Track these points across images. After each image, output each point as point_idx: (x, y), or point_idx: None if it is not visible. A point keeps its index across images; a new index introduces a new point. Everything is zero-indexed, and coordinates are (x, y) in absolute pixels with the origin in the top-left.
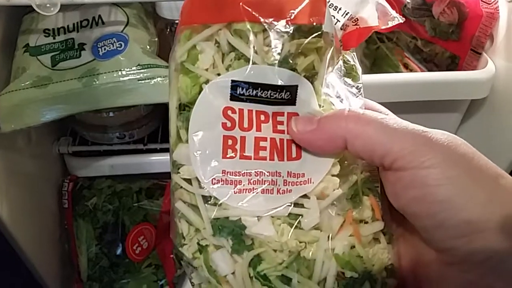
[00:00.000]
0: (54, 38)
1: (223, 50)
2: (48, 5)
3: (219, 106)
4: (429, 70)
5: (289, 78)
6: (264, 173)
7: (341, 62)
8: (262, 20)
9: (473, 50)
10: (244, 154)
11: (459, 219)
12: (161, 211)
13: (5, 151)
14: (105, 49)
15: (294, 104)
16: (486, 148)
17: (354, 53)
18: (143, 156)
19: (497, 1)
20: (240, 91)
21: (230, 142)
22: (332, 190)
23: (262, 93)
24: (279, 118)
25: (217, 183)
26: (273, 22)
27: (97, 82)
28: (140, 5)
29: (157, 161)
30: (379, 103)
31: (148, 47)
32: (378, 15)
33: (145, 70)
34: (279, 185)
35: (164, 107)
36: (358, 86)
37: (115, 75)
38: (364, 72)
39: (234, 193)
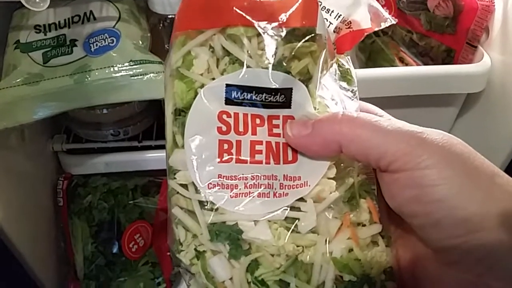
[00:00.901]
0: (45, 34)
1: (218, 55)
2: (37, 0)
3: (214, 110)
4: (425, 64)
5: (284, 81)
6: (260, 177)
7: (335, 66)
8: (255, 24)
9: (468, 43)
10: (240, 158)
11: (456, 218)
12: (157, 208)
13: None
14: (97, 45)
15: (290, 107)
16: (482, 142)
17: (349, 57)
18: (138, 153)
19: None
20: (234, 95)
21: (225, 146)
22: (329, 193)
23: (256, 97)
24: (274, 121)
25: (213, 188)
26: (266, 25)
27: (89, 78)
28: (132, 0)
29: (152, 158)
30: (374, 97)
31: (140, 42)
32: (371, 17)
33: (138, 66)
34: (275, 189)
35: (159, 103)
36: (353, 89)
37: (107, 71)
38: (360, 67)
39: (231, 197)
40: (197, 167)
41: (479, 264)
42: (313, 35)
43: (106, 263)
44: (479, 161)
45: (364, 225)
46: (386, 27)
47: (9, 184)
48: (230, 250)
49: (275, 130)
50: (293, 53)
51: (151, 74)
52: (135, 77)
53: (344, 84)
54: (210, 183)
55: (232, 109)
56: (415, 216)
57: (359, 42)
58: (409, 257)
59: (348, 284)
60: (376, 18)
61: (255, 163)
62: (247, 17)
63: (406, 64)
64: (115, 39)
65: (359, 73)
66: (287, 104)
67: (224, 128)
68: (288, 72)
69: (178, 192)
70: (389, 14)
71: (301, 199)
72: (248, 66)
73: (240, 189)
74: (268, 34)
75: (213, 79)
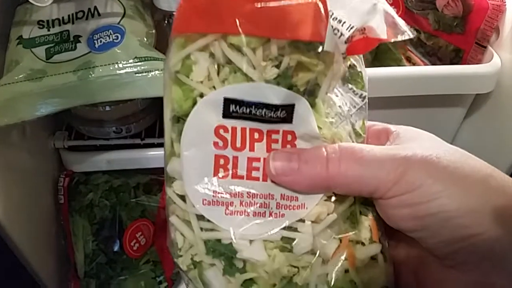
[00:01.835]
0: (48, 30)
1: (219, 62)
2: None
3: (211, 124)
4: (433, 64)
5: (286, 97)
6: (257, 195)
7: (345, 68)
8: (259, 34)
9: (478, 43)
10: (236, 174)
11: (453, 226)
12: (159, 206)
13: None
14: (101, 41)
15: (291, 122)
16: (490, 143)
17: (361, 58)
18: (141, 151)
19: None
20: (233, 109)
21: (222, 161)
22: (327, 214)
23: (256, 112)
24: (274, 136)
25: (208, 204)
26: (271, 36)
27: (93, 75)
28: None
29: (154, 156)
30: (381, 97)
31: (145, 39)
32: (387, 27)
33: (142, 63)
34: (271, 208)
35: (162, 101)
36: (362, 94)
37: (111, 68)
38: (366, 66)
39: (225, 214)
40: (191, 181)
41: (483, 263)
42: (320, 50)
43: (107, 261)
44: (469, 168)
45: (363, 244)
46: None
47: (10, 181)
48: (225, 267)
49: (274, 146)
50: (298, 66)
51: (156, 71)
52: (140, 74)
53: (353, 87)
54: (205, 199)
55: (230, 123)
56: (414, 231)
57: None
58: (411, 259)
59: None
60: (393, 29)
61: (252, 179)
62: (251, 26)
63: (414, 64)
64: (119, 36)
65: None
66: (288, 119)
67: (220, 143)
68: (292, 86)
69: (175, 202)
70: (397, 13)
71: (299, 219)
72: (250, 78)
73: (235, 206)
74: (273, 45)
75: (213, 87)
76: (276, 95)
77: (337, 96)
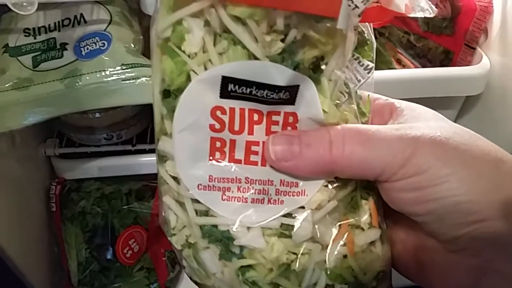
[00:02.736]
0: (35, 38)
1: (215, 31)
2: (24, 3)
3: (208, 105)
4: (423, 66)
5: (291, 77)
6: (255, 181)
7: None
8: (265, 4)
9: (467, 45)
10: (233, 158)
11: (460, 212)
12: (152, 213)
13: None
14: (87, 48)
15: (293, 104)
16: None
17: (371, 26)
18: (132, 157)
19: None
20: (231, 88)
21: (218, 144)
22: (328, 201)
23: (257, 92)
24: (274, 118)
25: (203, 189)
26: (278, 7)
27: (80, 83)
28: (124, 2)
29: (146, 162)
30: None
31: (132, 45)
32: (407, 2)
33: (130, 69)
34: (270, 195)
35: (152, 107)
36: (368, 66)
37: (98, 75)
38: None
39: (222, 200)
40: (185, 165)
41: (487, 249)
42: (332, 24)
43: (100, 269)
44: (478, 150)
45: (363, 229)
46: (383, 28)
47: (0, 189)
48: (221, 252)
49: (273, 128)
50: (305, 41)
51: (144, 78)
52: (127, 81)
53: (359, 58)
54: (200, 184)
55: (228, 103)
56: (417, 215)
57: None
58: (412, 242)
59: None
60: (412, 3)
61: (250, 164)
62: None
63: (404, 66)
64: (106, 43)
65: None
66: (291, 101)
67: (217, 126)
68: (298, 63)
69: (167, 183)
70: None
71: (299, 207)
72: (252, 55)
73: (232, 191)
74: (279, 17)
75: (210, 60)
76: (280, 75)
77: (343, 72)
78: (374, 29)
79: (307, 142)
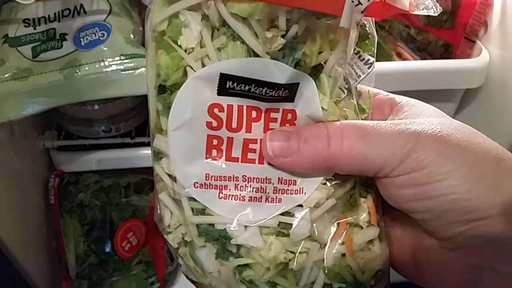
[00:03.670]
0: (34, 28)
1: (214, 24)
2: None
3: (205, 102)
4: (423, 59)
5: (291, 75)
6: (253, 179)
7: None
8: (268, 0)
9: (467, 38)
10: (230, 156)
11: (459, 210)
12: (151, 206)
13: None
14: (87, 39)
15: (292, 101)
16: None
17: (373, 19)
18: (131, 150)
19: None
20: (229, 85)
21: (215, 142)
22: (326, 199)
23: (256, 89)
24: (272, 115)
25: (200, 188)
26: (280, 3)
27: (79, 73)
28: None
29: (145, 155)
30: None
31: (132, 36)
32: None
33: (129, 60)
34: (268, 193)
35: None
36: (369, 60)
37: (97, 66)
38: None
39: (219, 198)
40: (181, 163)
41: (484, 248)
42: (334, 22)
43: (98, 262)
44: (480, 148)
45: (361, 227)
46: (383, 22)
47: None
48: (218, 251)
49: (272, 125)
50: (306, 37)
51: (143, 69)
52: (126, 72)
53: (360, 51)
54: (196, 183)
55: (225, 100)
56: (416, 212)
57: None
58: (410, 240)
59: None
60: (417, 0)
61: (248, 162)
62: None
63: (404, 59)
64: (105, 33)
65: None
66: (290, 98)
67: (214, 124)
68: (299, 60)
69: (163, 181)
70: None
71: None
72: (252, 51)
73: (230, 190)
74: (280, 14)
75: (207, 56)
76: (280, 73)
77: (344, 68)
78: (375, 22)
79: (305, 138)
